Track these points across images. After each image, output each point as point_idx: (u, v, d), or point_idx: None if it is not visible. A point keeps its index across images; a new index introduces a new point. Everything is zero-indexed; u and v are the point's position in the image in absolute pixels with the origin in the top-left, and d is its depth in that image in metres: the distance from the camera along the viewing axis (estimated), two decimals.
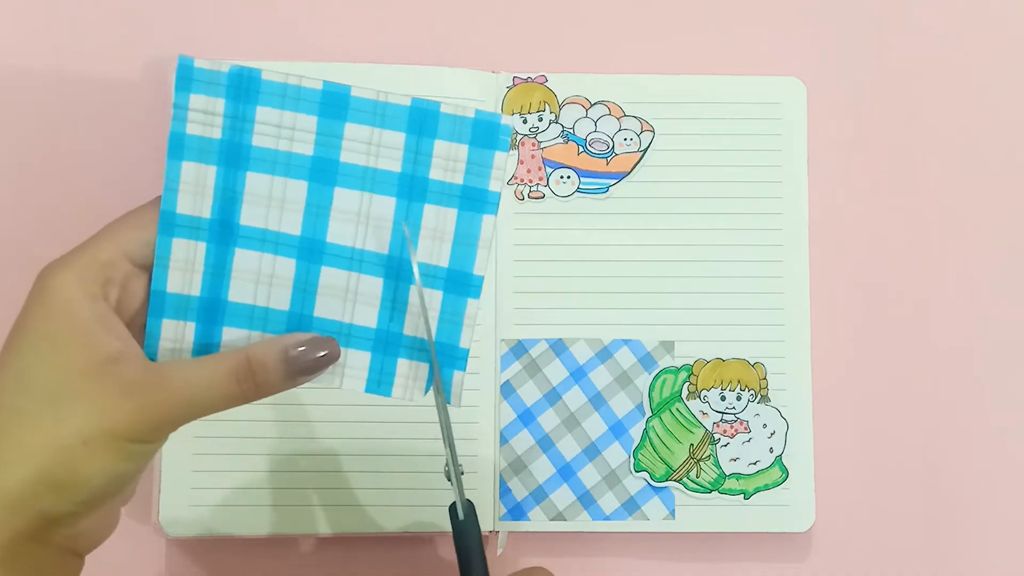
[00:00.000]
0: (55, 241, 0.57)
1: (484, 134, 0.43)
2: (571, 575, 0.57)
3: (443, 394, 0.44)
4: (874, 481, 0.58)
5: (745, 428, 0.57)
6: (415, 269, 0.43)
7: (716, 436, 0.57)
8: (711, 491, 0.56)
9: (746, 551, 0.57)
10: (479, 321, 0.56)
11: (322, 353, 0.42)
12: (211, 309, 0.43)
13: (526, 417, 0.56)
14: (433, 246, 0.43)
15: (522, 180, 0.58)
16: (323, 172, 0.43)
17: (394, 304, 0.43)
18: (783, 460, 0.57)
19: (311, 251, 0.43)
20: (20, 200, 0.58)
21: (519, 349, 0.57)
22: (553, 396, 0.57)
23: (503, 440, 0.56)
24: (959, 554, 0.58)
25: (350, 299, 0.43)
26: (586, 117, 0.58)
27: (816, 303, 0.58)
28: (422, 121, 0.43)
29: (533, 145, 0.58)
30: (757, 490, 0.56)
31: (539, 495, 0.56)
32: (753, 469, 0.56)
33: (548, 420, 0.56)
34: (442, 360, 0.44)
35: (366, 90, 0.43)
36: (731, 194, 0.58)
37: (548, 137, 0.58)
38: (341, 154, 0.43)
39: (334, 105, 0.43)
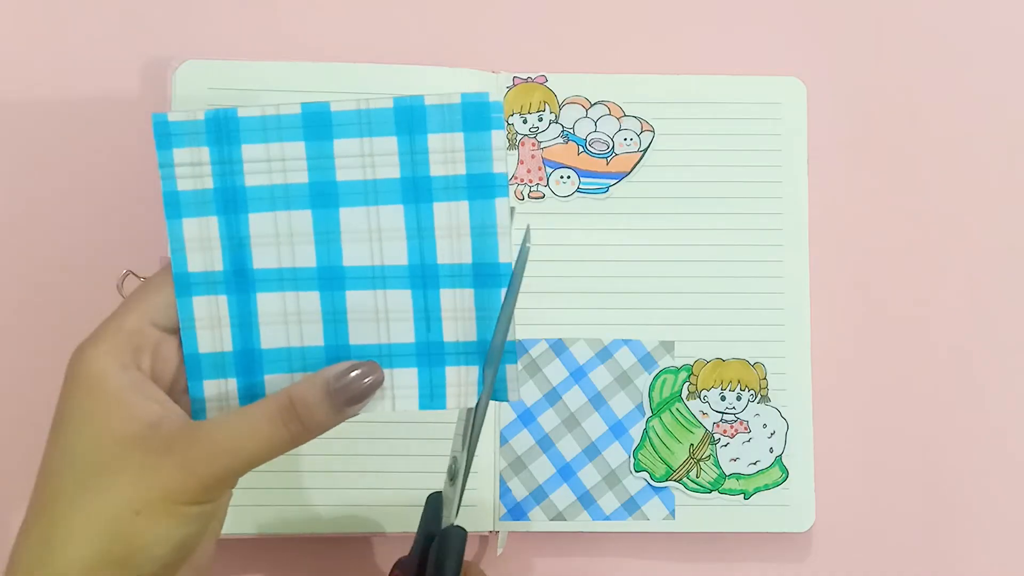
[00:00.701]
0: (53, 241, 0.57)
1: (475, 116, 0.41)
2: (571, 575, 0.57)
3: (487, 394, 0.42)
4: (874, 481, 0.58)
5: (745, 428, 0.57)
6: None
7: (716, 436, 0.57)
8: (711, 491, 0.56)
9: (746, 551, 0.57)
10: None
11: (366, 379, 0.41)
12: (248, 361, 0.42)
13: (526, 417, 0.56)
14: (452, 244, 0.42)
15: (522, 180, 0.58)
16: (324, 196, 0.41)
17: (428, 312, 0.42)
18: (783, 460, 0.57)
19: (331, 279, 0.42)
20: (19, 200, 0.58)
21: (519, 349, 0.57)
22: (553, 396, 0.57)
23: (503, 440, 0.56)
24: (959, 554, 0.58)
25: (382, 318, 0.42)
26: (586, 117, 0.58)
27: (816, 303, 0.58)
28: (409, 119, 0.41)
29: (533, 145, 0.58)
30: (757, 490, 0.56)
31: (539, 495, 0.56)
32: (753, 469, 0.56)
33: (548, 420, 0.56)
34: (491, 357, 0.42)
35: (346, 102, 0.41)
36: (731, 194, 0.58)
37: (548, 137, 0.58)
38: (337, 173, 0.41)
39: (317, 125, 0.41)
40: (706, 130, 0.58)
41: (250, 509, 0.55)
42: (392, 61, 0.57)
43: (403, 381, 0.42)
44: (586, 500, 0.56)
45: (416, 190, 0.41)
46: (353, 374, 0.41)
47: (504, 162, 0.41)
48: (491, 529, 0.56)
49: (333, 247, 0.41)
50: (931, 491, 0.58)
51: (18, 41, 0.59)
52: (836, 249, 0.59)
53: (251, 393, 0.42)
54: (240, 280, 0.41)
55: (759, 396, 0.57)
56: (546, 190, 0.58)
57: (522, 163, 0.58)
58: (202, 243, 0.41)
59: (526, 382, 0.57)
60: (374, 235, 0.41)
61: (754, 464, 0.56)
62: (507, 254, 0.42)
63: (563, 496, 0.56)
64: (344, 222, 0.41)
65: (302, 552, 0.57)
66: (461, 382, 0.42)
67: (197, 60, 0.56)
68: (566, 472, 0.56)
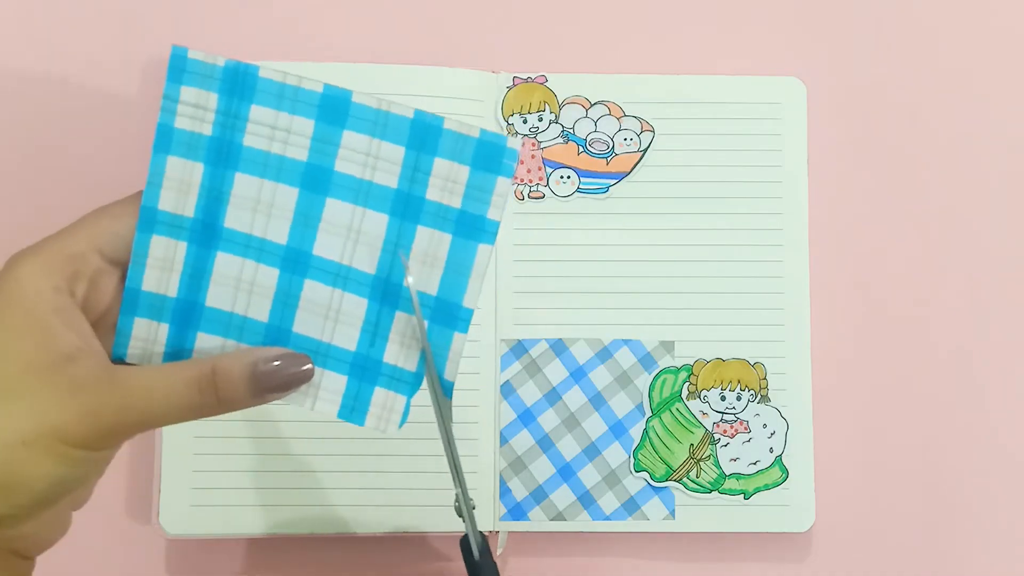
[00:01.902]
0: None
1: (487, 156, 0.40)
2: (571, 575, 0.57)
3: (450, 431, 0.42)
4: (874, 481, 0.58)
5: (745, 428, 0.57)
6: (415, 300, 0.40)
7: (716, 436, 0.57)
8: (711, 491, 0.56)
9: (746, 551, 0.57)
10: (478, 320, 0.56)
11: (294, 371, 0.40)
12: (186, 312, 0.41)
13: (526, 417, 0.56)
14: (423, 271, 0.41)
15: (522, 180, 0.58)
16: (316, 180, 0.41)
17: (377, 328, 0.41)
18: (783, 460, 0.57)
19: (296, 262, 0.41)
20: (19, 199, 0.58)
21: (519, 349, 0.57)
22: (553, 396, 0.57)
23: (503, 440, 0.56)
24: (959, 554, 0.58)
25: (331, 317, 0.41)
26: (586, 117, 0.58)
27: (816, 303, 0.58)
28: (424, 136, 0.40)
29: (533, 145, 0.58)
30: (757, 490, 0.56)
31: (539, 495, 0.56)
32: (753, 469, 0.56)
33: (548, 420, 0.56)
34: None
35: (368, 97, 0.40)
36: (731, 194, 0.58)
37: (548, 137, 0.58)
38: (336, 163, 0.40)
39: (333, 110, 0.40)
40: (706, 130, 0.58)
41: (251, 509, 0.55)
42: (392, 61, 0.58)
43: (330, 384, 0.41)
44: (586, 500, 0.56)
45: (406, 206, 0.41)
46: (282, 362, 0.40)
47: (501, 210, 0.40)
48: (491, 529, 0.56)
49: (308, 232, 0.41)
50: (931, 491, 0.58)
51: (18, 41, 0.59)
52: (836, 249, 0.59)
53: (179, 344, 0.41)
54: (206, 233, 0.41)
55: (759, 396, 0.57)
56: (546, 190, 0.58)
57: (522, 163, 0.58)
58: (180, 185, 0.40)
59: (525, 383, 0.57)
60: (352, 235, 0.41)
61: (754, 464, 0.57)
62: (473, 300, 0.41)
63: (563, 496, 0.56)
64: (327, 212, 0.41)
65: (302, 552, 0.57)
66: (386, 406, 0.42)
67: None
68: (566, 472, 0.56)
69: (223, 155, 0.40)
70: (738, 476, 0.56)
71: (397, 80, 0.57)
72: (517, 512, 0.56)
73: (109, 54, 0.59)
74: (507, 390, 0.56)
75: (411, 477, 0.55)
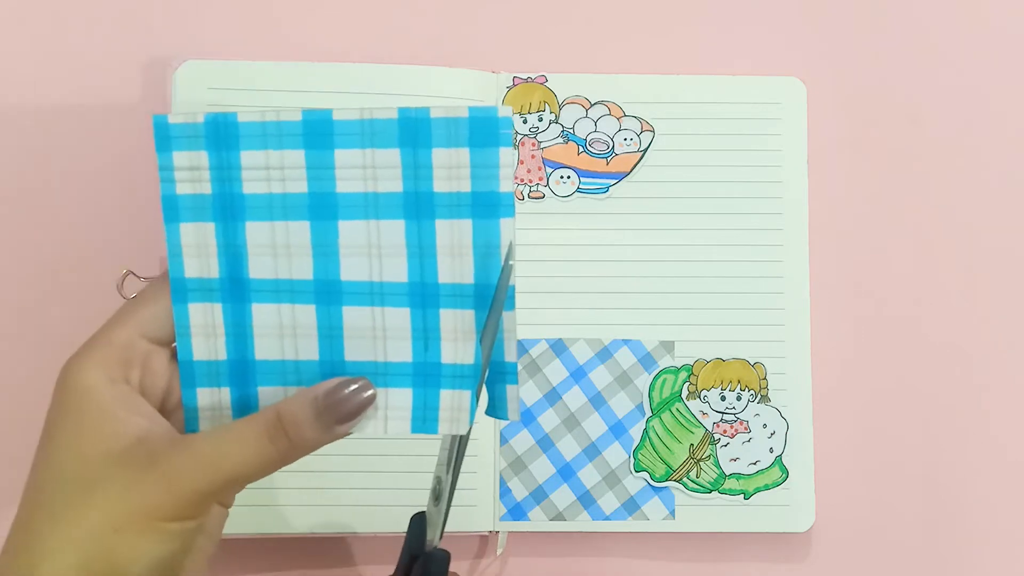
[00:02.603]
0: (53, 241, 0.57)
1: (483, 132, 0.39)
2: (571, 575, 0.57)
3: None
4: (874, 481, 0.58)
5: (745, 428, 0.57)
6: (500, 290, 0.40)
7: (716, 436, 0.57)
8: (711, 491, 0.56)
9: (746, 551, 0.57)
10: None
11: (357, 397, 0.39)
12: (241, 371, 0.41)
13: (526, 417, 0.56)
14: (454, 263, 0.40)
15: (522, 180, 0.58)
16: (323, 208, 0.40)
17: (426, 332, 0.40)
18: (783, 460, 0.57)
19: (328, 293, 0.40)
20: (19, 200, 0.58)
21: (519, 349, 0.57)
22: (553, 396, 0.57)
23: (503, 440, 0.56)
24: (959, 554, 0.58)
25: (379, 336, 0.41)
26: (586, 117, 0.58)
27: (816, 303, 0.58)
28: (414, 131, 0.40)
29: (533, 145, 0.58)
30: (757, 490, 0.56)
31: (539, 495, 0.56)
32: (753, 469, 0.56)
33: (548, 420, 0.56)
34: (492, 377, 0.41)
35: (349, 110, 0.40)
36: (731, 194, 0.58)
37: (548, 137, 0.58)
38: (337, 184, 0.40)
39: (318, 134, 0.40)
40: (706, 130, 0.58)
41: (250, 509, 0.55)
42: (392, 61, 0.57)
43: (396, 402, 0.41)
44: (586, 500, 0.56)
45: (418, 206, 0.40)
46: (344, 391, 0.39)
47: (511, 180, 0.40)
48: (491, 529, 0.56)
49: (331, 261, 0.40)
50: (931, 491, 0.58)
51: (18, 41, 0.58)
52: (836, 249, 0.59)
53: (244, 404, 0.41)
54: (236, 289, 0.41)
55: (759, 396, 0.57)
56: (546, 190, 0.58)
57: (522, 163, 0.58)
58: (199, 249, 0.40)
59: (526, 382, 0.57)
60: (373, 250, 0.40)
61: (754, 464, 0.57)
62: (510, 275, 0.40)
63: (563, 496, 0.56)
64: (343, 235, 0.40)
65: (302, 552, 0.57)
66: (454, 407, 0.41)
67: (197, 60, 0.56)
68: (566, 472, 0.56)
69: (228, 208, 0.40)
70: (738, 476, 0.56)
71: (397, 80, 0.57)
72: (517, 512, 0.56)
73: (109, 54, 0.59)
74: None
75: (414, 477, 0.55)
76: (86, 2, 0.59)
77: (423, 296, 0.40)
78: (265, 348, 0.41)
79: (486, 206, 0.40)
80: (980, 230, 0.60)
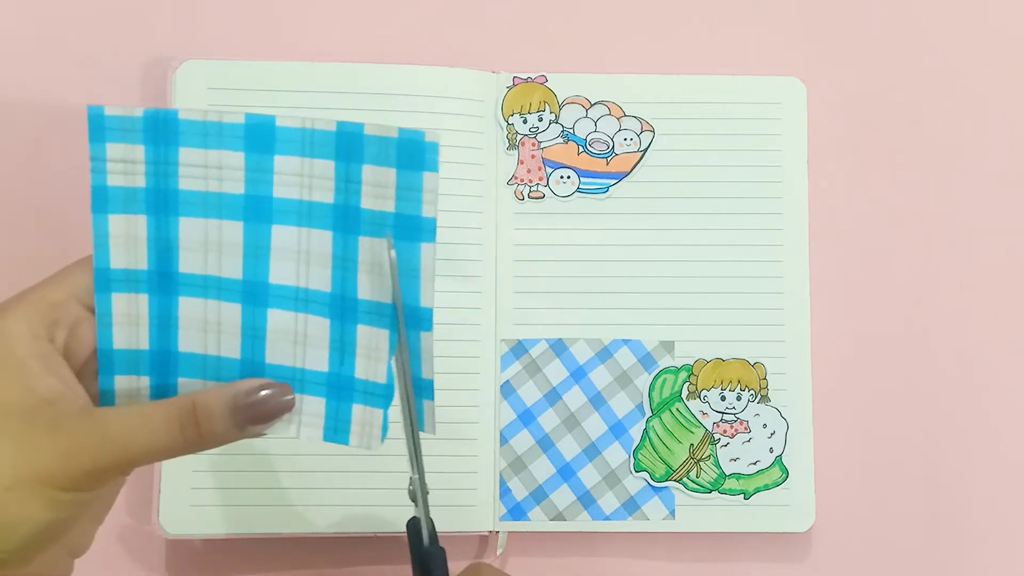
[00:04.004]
0: (53, 241, 0.57)
1: (409, 154, 0.39)
2: (571, 575, 0.57)
3: (414, 421, 0.41)
4: (874, 481, 0.58)
5: (745, 428, 0.57)
6: (399, 309, 0.39)
7: (716, 436, 0.57)
8: (711, 491, 0.56)
9: (746, 551, 0.57)
10: (479, 321, 0.56)
11: (275, 402, 0.39)
12: (163, 362, 0.41)
13: (526, 417, 0.56)
14: (373, 281, 0.40)
15: (522, 180, 0.58)
16: (257, 210, 0.40)
17: (343, 345, 0.40)
18: (783, 460, 0.57)
19: (255, 294, 0.40)
20: (19, 200, 0.58)
21: (519, 349, 0.57)
22: (553, 396, 0.57)
23: (503, 440, 0.56)
24: (959, 554, 0.58)
25: (300, 342, 0.41)
26: (586, 117, 0.58)
27: (816, 303, 0.58)
28: (349, 146, 0.39)
29: (533, 145, 0.58)
30: (757, 490, 0.56)
31: (539, 495, 0.56)
32: (753, 469, 0.56)
33: (548, 420, 0.56)
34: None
35: (292, 118, 0.39)
36: (731, 194, 0.58)
37: (548, 137, 0.58)
38: (274, 189, 0.40)
39: (260, 138, 0.39)
40: (706, 130, 0.58)
41: (251, 509, 0.55)
42: (392, 61, 0.58)
43: (311, 409, 0.41)
44: (586, 500, 0.56)
45: (346, 219, 0.40)
46: (263, 393, 0.39)
47: (434, 205, 0.39)
48: (491, 529, 0.56)
49: (261, 263, 0.40)
50: (931, 491, 0.58)
51: (18, 41, 0.59)
52: (836, 249, 0.59)
53: (163, 393, 0.41)
54: (164, 281, 0.41)
55: (759, 396, 0.57)
56: (546, 190, 0.58)
57: (522, 163, 0.58)
58: (127, 241, 0.40)
59: (525, 383, 0.57)
60: (303, 256, 0.40)
61: (754, 464, 0.57)
62: (429, 298, 0.40)
63: (563, 496, 0.56)
64: (275, 239, 0.40)
65: (302, 552, 0.56)
66: (365, 422, 0.41)
67: (197, 60, 0.56)
68: (566, 472, 0.56)
69: (162, 203, 0.40)
70: (738, 476, 0.56)
71: (397, 80, 0.57)
72: (517, 512, 0.56)
73: (109, 54, 0.59)
74: (507, 390, 0.56)
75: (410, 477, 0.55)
76: (86, 2, 0.59)
77: (343, 309, 0.40)
78: (188, 341, 0.41)
79: (408, 228, 0.39)
80: (980, 230, 0.60)
